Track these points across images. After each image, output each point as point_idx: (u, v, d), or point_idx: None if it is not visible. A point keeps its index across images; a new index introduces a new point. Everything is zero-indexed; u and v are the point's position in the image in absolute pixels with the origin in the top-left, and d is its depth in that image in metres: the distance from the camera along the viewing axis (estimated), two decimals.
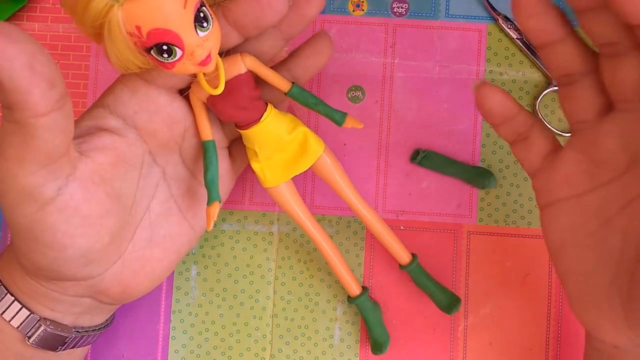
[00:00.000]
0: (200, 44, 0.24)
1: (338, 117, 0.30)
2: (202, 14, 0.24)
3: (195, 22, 0.24)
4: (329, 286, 0.36)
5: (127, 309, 0.36)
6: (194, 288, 0.36)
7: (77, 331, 0.30)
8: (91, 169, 0.26)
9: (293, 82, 0.29)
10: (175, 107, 0.28)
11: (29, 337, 0.28)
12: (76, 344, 0.30)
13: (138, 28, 0.23)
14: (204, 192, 0.30)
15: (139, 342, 0.36)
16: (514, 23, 0.36)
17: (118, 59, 0.24)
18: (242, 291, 0.36)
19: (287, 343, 0.36)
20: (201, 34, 0.24)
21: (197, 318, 0.36)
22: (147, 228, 0.29)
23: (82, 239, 0.26)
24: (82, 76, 0.37)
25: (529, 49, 0.35)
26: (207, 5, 0.25)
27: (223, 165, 0.31)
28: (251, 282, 0.36)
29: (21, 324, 0.28)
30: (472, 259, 0.36)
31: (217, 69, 0.26)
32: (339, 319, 0.36)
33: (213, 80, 0.27)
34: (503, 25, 0.36)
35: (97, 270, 0.27)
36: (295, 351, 0.36)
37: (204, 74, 0.27)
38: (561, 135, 0.35)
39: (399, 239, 0.33)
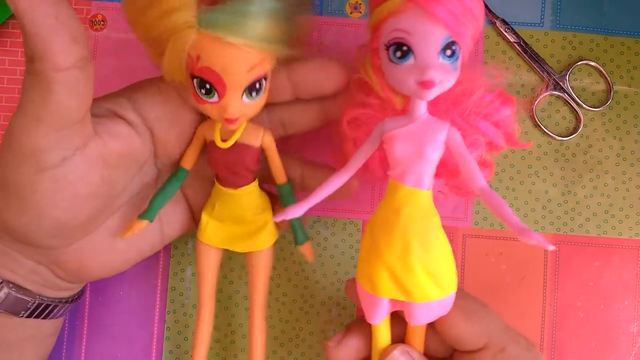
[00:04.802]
0: (237, 106, 0.25)
1: (300, 239, 0.30)
2: (257, 85, 0.25)
3: (247, 88, 0.25)
4: (323, 288, 0.36)
5: (122, 309, 0.36)
6: (188, 289, 0.36)
7: (42, 298, 0.29)
8: (100, 151, 0.26)
9: (289, 180, 0.30)
10: (194, 129, 0.29)
11: None
12: (41, 313, 0.30)
13: (198, 57, 0.24)
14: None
15: (133, 343, 0.36)
16: (511, 27, 0.36)
17: (168, 66, 0.25)
18: (237, 292, 0.36)
19: (282, 344, 0.36)
20: (245, 100, 0.25)
21: (192, 319, 0.36)
22: (121, 218, 0.30)
23: (63, 212, 0.26)
24: None
25: (526, 52, 0.35)
26: (267, 79, 0.25)
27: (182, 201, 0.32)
28: (246, 283, 0.36)
29: None
30: (468, 262, 0.36)
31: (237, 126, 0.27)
32: (334, 321, 0.36)
33: (228, 132, 0.27)
34: (500, 28, 0.35)
35: (61, 242, 0.28)
36: (289, 353, 0.35)
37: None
38: (557, 138, 0.35)
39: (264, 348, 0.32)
